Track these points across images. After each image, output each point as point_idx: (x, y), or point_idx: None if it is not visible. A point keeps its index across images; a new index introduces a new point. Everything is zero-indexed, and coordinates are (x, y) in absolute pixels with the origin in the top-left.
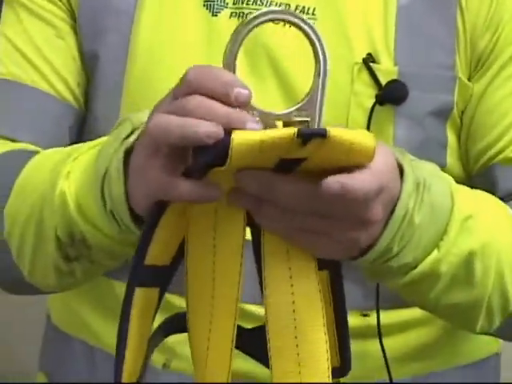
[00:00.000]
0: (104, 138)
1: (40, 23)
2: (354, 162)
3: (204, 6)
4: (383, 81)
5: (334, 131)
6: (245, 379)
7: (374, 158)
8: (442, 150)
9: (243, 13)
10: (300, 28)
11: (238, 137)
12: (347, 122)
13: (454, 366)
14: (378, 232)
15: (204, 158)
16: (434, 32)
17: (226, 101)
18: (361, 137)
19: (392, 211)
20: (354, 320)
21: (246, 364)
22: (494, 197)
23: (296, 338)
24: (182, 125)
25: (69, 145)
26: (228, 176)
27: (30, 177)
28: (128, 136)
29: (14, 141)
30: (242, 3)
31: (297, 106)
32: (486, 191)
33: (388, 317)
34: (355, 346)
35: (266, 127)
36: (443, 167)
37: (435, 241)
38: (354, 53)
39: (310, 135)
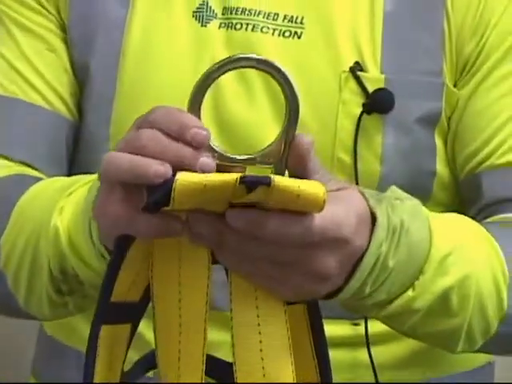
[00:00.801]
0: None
1: (31, 37)
2: (304, 210)
3: (193, 16)
4: (371, 89)
5: (279, 180)
6: None
7: (335, 209)
8: (431, 156)
9: (232, 23)
10: (273, 76)
11: (181, 179)
12: (335, 130)
13: (448, 375)
14: (340, 282)
15: (152, 197)
16: (421, 39)
17: (182, 140)
18: (308, 187)
19: (360, 259)
20: (344, 329)
21: None
22: (473, 222)
23: (264, 376)
24: (133, 164)
25: (67, 156)
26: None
27: (27, 207)
28: None
29: (8, 158)
30: (231, 13)
31: (261, 152)
32: (473, 197)
33: (378, 326)
34: (346, 354)
35: (225, 171)
36: (433, 174)
37: (411, 280)
38: (342, 61)
39: (254, 183)
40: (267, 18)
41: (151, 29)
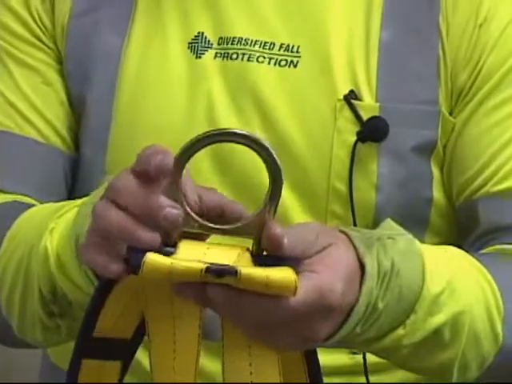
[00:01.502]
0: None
1: (27, 71)
2: (276, 294)
3: (188, 48)
4: (365, 117)
5: (246, 272)
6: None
7: (320, 279)
8: (427, 185)
9: (228, 53)
10: (257, 152)
11: (148, 260)
12: (331, 159)
13: None
14: (338, 319)
15: (131, 260)
16: (416, 67)
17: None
18: (277, 276)
19: (350, 310)
20: (342, 359)
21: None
22: (467, 255)
23: None
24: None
25: (65, 189)
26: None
27: (20, 230)
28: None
29: (2, 191)
30: (227, 44)
31: (242, 223)
32: (469, 225)
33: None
34: (345, 382)
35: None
36: (429, 202)
37: (401, 319)
38: (337, 90)
39: (220, 273)
40: (263, 48)
41: (146, 60)
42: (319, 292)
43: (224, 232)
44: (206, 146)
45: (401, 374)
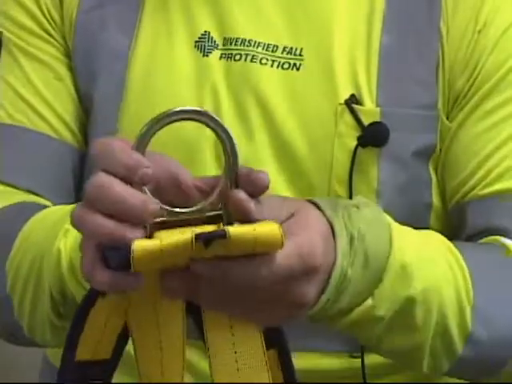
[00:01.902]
0: None
1: (38, 66)
2: (262, 252)
3: (195, 46)
4: (366, 122)
5: (233, 230)
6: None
7: (298, 240)
8: (426, 189)
9: (231, 54)
10: (213, 129)
11: (137, 248)
12: (332, 164)
13: None
14: (320, 283)
15: (113, 262)
16: (417, 71)
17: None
18: (264, 230)
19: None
20: (342, 362)
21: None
22: (443, 239)
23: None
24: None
25: (74, 185)
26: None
27: (33, 231)
28: None
29: (13, 186)
30: (231, 44)
31: (208, 200)
32: (459, 228)
33: (376, 358)
34: None
35: (179, 226)
36: (429, 206)
37: (370, 288)
38: (339, 94)
39: (210, 237)
40: (266, 50)
41: (153, 60)
42: (301, 253)
43: (194, 213)
44: (163, 126)
45: (400, 379)
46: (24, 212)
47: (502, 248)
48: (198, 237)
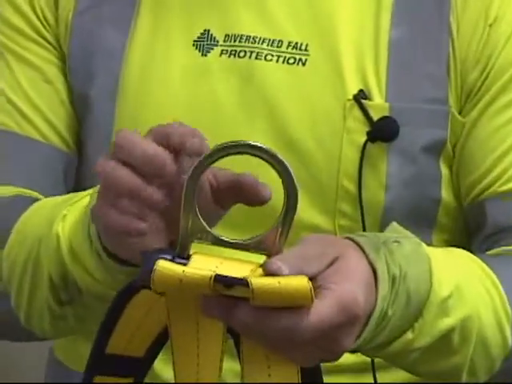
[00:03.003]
0: None
1: (28, 69)
2: (291, 306)
3: (194, 45)
4: (375, 117)
5: (257, 281)
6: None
7: (338, 290)
8: (435, 184)
9: (235, 51)
10: (272, 165)
11: (159, 268)
12: (340, 159)
13: None
14: (357, 330)
15: (140, 276)
16: (427, 66)
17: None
18: (290, 282)
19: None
20: (349, 357)
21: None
22: (474, 258)
23: None
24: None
25: (65, 188)
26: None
27: (29, 220)
28: None
29: (11, 185)
30: (235, 41)
31: (256, 239)
32: (477, 225)
33: None
34: (351, 380)
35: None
36: (438, 201)
37: (410, 323)
38: (347, 89)
39: (229, 283)
40: (271, 46)
41: (150, 59)
42: (343, 304)
43: (237, 246)
44: (222, 157)
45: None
46: (20, 203)
47: None
48: (217, 278)
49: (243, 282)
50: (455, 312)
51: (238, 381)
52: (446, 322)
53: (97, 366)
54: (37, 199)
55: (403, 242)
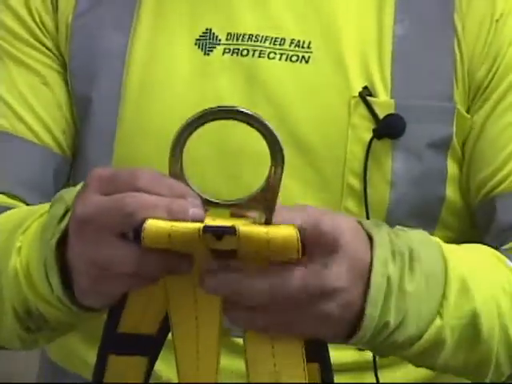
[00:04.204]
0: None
1: (25, 71)
2: (281, 256)
3: (196, 44)
4: (380, 114)
5: (245, 229)
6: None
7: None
8: (441, 181)
9: (238, 49)
10: (252, 125)
11: (148, 226)
12: (345, 156)
13: None
14: (352, 301)
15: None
16: (432, 63)
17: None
18: (278, 231)
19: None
20: (350, 355)
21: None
22: (486, 247)
23: None
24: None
25: (54, 192)
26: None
27: None
28: (63, 216)
29: None
30: (237, 40)
31: (248, 197)
32: (487, 223)
33: None
34: (352, 379)
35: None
36: (442, 199)
37: (436, 307)
38: (351, 86)
39: (217, 232)
40: (274, 44)
41: (152, 59)
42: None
43: (231, 207)
44: (208, 122)
45: (408, 370)
46: None
47: None
48: (205, 229)
49: (231, 231)
50: (476, 293)
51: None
52: (470, 304)
53: (109, 345)
54: (4, 208)
55: (408, 231)
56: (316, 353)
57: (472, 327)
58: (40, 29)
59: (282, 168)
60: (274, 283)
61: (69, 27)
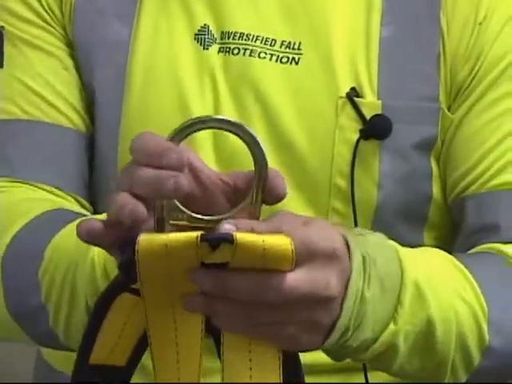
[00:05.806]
0: None
1: (45, 56)
2: (272, 267)
3: (195, 39)
4: (368, 115)
5: (242, 236)
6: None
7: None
8: (427, 181)
9: (229, 48)
10: (239, 136)
11: (142, 239)
12: (332, 156)
13: None
14: (337, 309)
15: (122, 257)
16: (418, 63)
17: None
18: (274, 240)
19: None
20: None
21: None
22: (445, 254)
23: None
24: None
25: (89, 173)
26: (181, 281)
27: (64, 240)
28: None
29: (34, 185)
30: (228, 38)
31: (232, 212)
32: (460, 222)
33: None
34: (343, 380)
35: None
36: (429, 198)
37: (390, 312)
38: (339, 87)
39: (216, 240)
40: (265, 43)
41: (155, 51)
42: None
43: (214, 222)
44: (191, 133)
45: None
46: (50, 222)
47: (501, 257)
48: (203, 237)
49: (229, 237)
50: (431, 301)
51: (214, 379)
52: (425, 310)
53: (81, 377)
54: (63, 212)
55: (366, 234)
56: (291, 371)
57: (426, 334)
58: (49, 14)
59: (266, 182)
60: (263, 281)
61: (72, 15)
